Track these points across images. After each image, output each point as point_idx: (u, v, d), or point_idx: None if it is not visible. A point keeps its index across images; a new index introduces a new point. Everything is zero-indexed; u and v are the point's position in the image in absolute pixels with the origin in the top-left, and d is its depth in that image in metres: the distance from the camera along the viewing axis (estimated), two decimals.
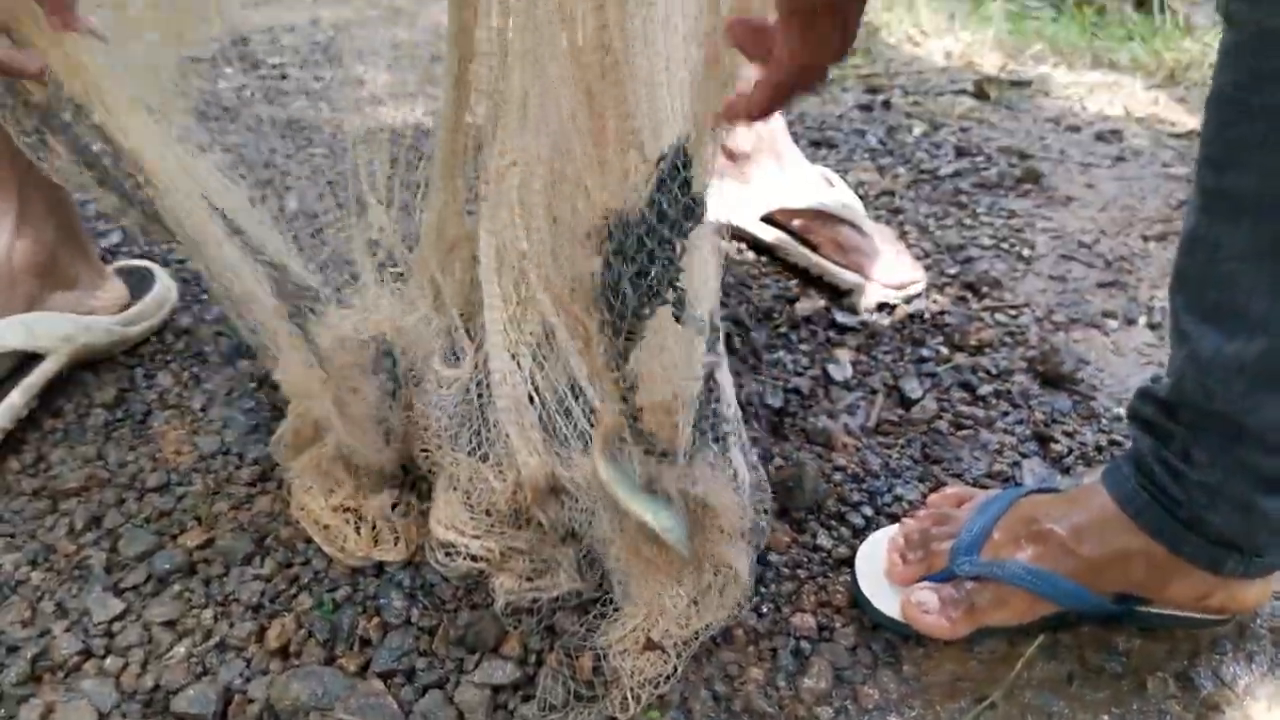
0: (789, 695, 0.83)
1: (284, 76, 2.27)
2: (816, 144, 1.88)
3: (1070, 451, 1.08)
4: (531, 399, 0.89)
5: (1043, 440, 1.10)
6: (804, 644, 0.87)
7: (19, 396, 1.06)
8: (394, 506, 0.95)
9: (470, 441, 0.91)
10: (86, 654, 0.87)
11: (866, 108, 2.08)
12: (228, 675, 0.85)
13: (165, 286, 1.23)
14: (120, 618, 0.90)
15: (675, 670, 0.82)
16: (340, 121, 1.96)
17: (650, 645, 0.81)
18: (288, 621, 0.88)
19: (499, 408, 0.87)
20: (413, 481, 0.98)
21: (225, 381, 1.15)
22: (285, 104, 2.10)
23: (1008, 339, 1.26)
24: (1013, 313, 1.32)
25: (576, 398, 0.90)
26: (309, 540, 0.94)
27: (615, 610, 0.85)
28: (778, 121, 1.37)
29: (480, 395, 0.93)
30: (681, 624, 0.82)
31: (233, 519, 0.98)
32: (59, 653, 0.87)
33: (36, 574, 0.94)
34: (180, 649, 0.87)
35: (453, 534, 0.89)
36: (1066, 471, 1.06)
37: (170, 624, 0.89)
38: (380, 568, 0.92)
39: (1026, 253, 1.47)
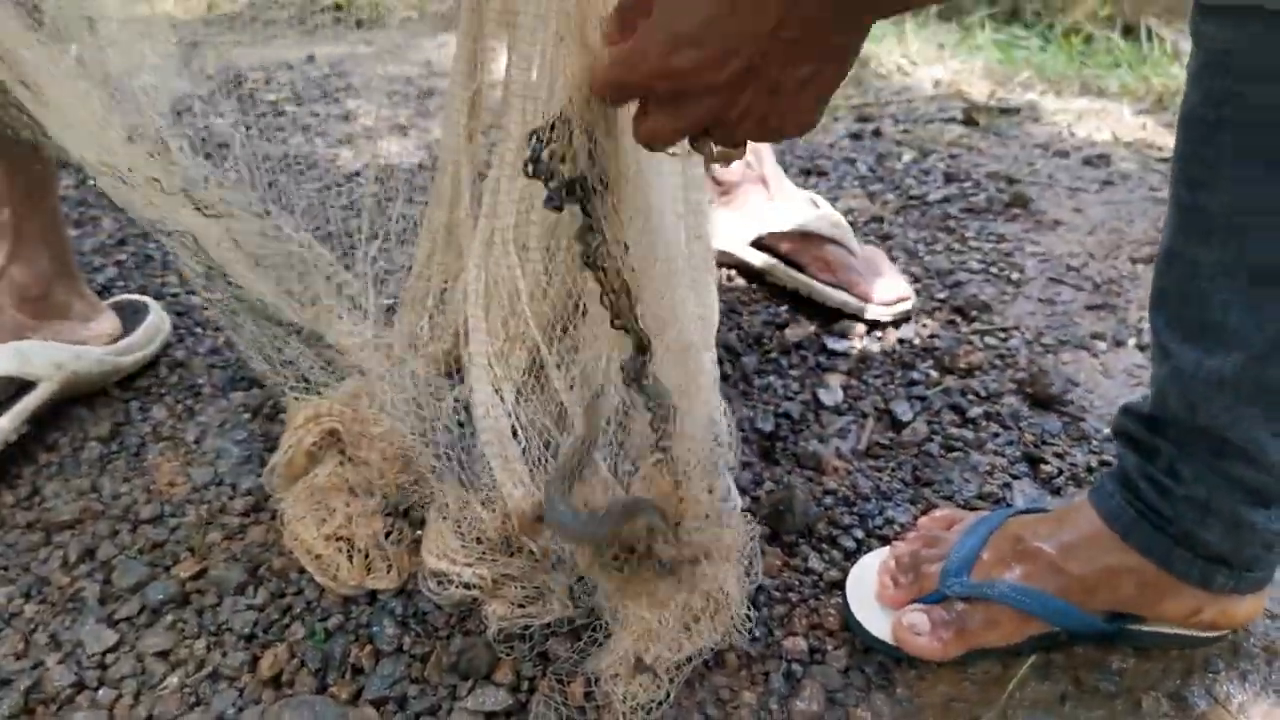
0: (781, 718, 0.83)
1: (280, 113, 2.29)
2: (807, 172, 1.89)
3: (1060, 473, 1.08)
4: (515, 432, 0.89)
5: (1033, 462, 1.10)
6: (796, 667, 0.87)
7: (8, 422, 1.07)
8: (386, 535, 0.95)
9: (458, 471, 0.92)
10: (80, 686, 0.87)
11: (857, 136, 2.10)
12: (220, 705, 0.85)
13: (158, 318, 1.23)
14: (114, 649, 0.90)
15: (668, 695, 0.82)
16: (335, 156, 1.97)
17: (641, 667, 0.81)
18: (280, 651, 0.88)
19: (482, 440, 0.88)
20: (405, 510, 0.98)
21: (219, 413, 1.16)
22: (282, 139, 2.12)
23: (997, 361, 1.27)
24: (1002, 335, 1.33)
25: (562, 432, 0.90)
26: (302, 570, 0.95)
27: (607, 636, 0.85)
28: (765, 150, 1.39)
29: (463, 426, 0.93)
30: (674, 648, 0.82)
31: (226, 549, 0.98)
32: (52, 685, 0.87)
33: (30, 606, 0.94)
34: (173, 679, 0.87)
35: (444, 563, 0.89)
36: (1057, 493, 1.06)
37: (163, 654, 0.89)
38: (373, 596, 0.93)
39: (1015, 276, 1.48)
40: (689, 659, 0.83)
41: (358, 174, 1.82)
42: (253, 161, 1.81)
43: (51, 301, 1.11)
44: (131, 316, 1.21)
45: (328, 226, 1.51)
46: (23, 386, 1.08)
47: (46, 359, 1.09)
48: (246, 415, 1.15)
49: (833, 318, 1.32)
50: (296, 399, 1.00)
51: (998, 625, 0.85)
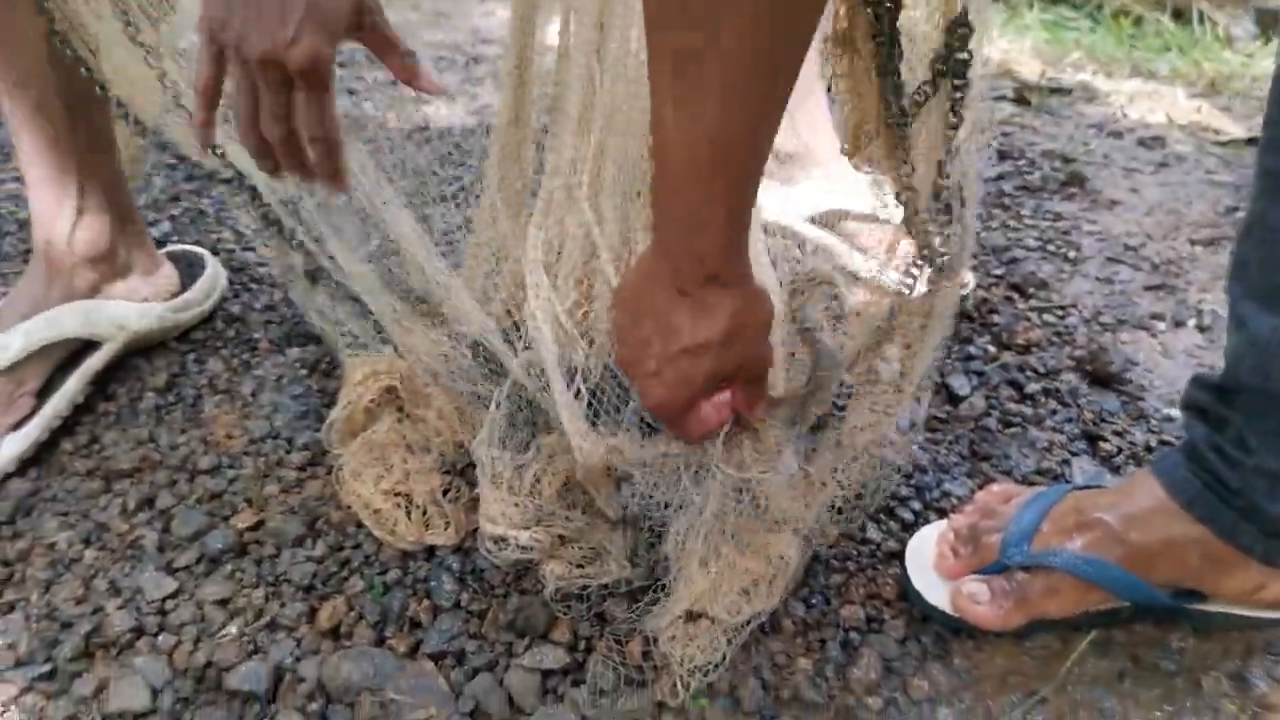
0: (838, 686, 0.83)
1: None
2: None
3: (1120, 451, 1.07)
4: (579, 388, 0.89)
5: (1092, 439, 1.09)
6: (853, 635, 0.87)
7: (75, 383, 1.08)
8: (444, 492, 0.95)
9: (519, 433, 0.92)
10: (139, 631, 0.88)
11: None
12: (279, 654, 0.85)
13: (215, 273, 1.24)
14: (173, 596, 0.91)
15: (724, 658, 0.82)
16: (383, 119, 1.97)
17: (693, 617, 0.81)
18: (338, 603, 0.88)
19: (553, 394, 0.88)
20: (462, 468, 0.98)
21: (275, 368, 1.16)
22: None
23: (1055, 339, 1.26)
24: (1060, 313, 1.31)
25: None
26: (359, 524, 0.95)
27: (665, 597, 0.85)
28: (824, 125, 1.37)
29: (522, 390, 0.93)
30: (731, 611, 0.82)
31: (283, 502, 0.99)
32: (112, 629, 0.87)
33: (90, 552, 0.95)
34: (232, 628, 0.88)
35: (502, 527, 0.89)
36: (1116, 471, 1.05)
37: (222, 603, 0.90)
38: (430, 552, 0.93)
39: (1072, 254, 1.46)
40: (746, 623, 0.83)
41: (409, 136, 1.82)
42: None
43: (116, 257, 1.12)
44: (187, 270, 1.22)
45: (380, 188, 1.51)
46: (87, 345, 1.09)
47: (110, 319, 1.10)
48: (303, 371, 1.15)
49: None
50: (354, 355, 1.00)
51: (1058, 594, 0.84)
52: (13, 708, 0.83)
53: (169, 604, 0.90)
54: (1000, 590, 0.85)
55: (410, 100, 2.11)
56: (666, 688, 0.80)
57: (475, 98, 2.13)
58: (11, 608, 0.91)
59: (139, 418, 1.10)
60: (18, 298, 1.08)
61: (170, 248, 1.27)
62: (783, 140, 1.35)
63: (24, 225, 1.53)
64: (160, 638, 0.87)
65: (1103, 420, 1.12)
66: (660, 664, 0.81)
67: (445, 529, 0.93)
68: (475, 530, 0.95)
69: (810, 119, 1.35)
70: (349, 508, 0.96)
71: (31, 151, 1.03)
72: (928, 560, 0.90)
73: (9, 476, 1.02)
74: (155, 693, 0.83)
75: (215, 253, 1.32)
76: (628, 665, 0.82)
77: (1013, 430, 1.10)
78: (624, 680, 0.81)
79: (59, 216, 1.05)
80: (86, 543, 0.96)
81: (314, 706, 0.81)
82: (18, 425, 1.03)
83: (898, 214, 1.31)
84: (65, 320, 1.06)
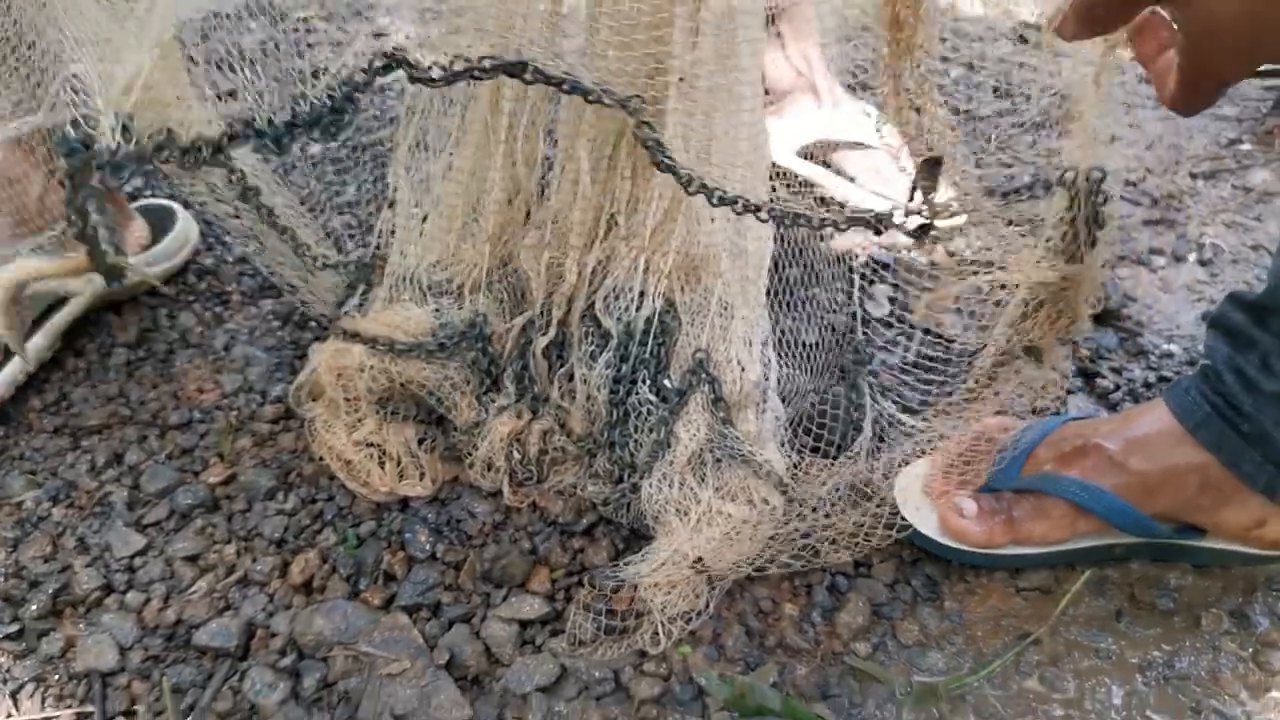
0: (825, 631, 0.80)
1: (310, 30, 2.25)
2: (850, 88, 1.82)
3: (1117, 388, 1.04)
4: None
5: (1088, 376, 1.06)
6: (840, 580, 0.84)
7: (43, 339, 1.05)
8: (420, 441, 0.93)
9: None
10: (108, 589, 0.86)
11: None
12: (250, 610, 0.83)
13: (186, 226, 1.21)
14: (142, 553, 0.88)
15: (707, 605, 0.79)
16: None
17: (674, 564, 0.79)
18: (311, 556, 0.86)
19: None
20: (438, 418, 0.95)
21: (247, 320, 1.13)
22: (311, 56, 2.08)
23: None
24: None
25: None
26: (333, 476, 0.92)
27: (646, 544, 0.83)
28: (816, 58, 1.33)
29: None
30: (714, 558, 0.79)
31: (255, 455, 0.96)
32: (80, 588, 0.85)
33: (58, 510, 0.93)
34: (202, 584, 0.86)
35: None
36: (1113, 408, 1.02)
37: (192, 559, 0.87)
38: (405, 503, 0.90)
39: None
40: (729, 570, 0.81)
41: (387, 88, 1.78)
42: (280, 75, 1.77)
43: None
44: (159, 223, 1.18)
45: (359, 137, 1.48)
46: (56, 301, 1.06)
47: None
48: (276, 323, 1.12)
49: (880, 229, 1.27)
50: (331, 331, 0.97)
51: (1048, 519, 0.82)
52: None
53: (138, 561, 0.88)
54: (989, 508, 0.82)
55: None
56: (647, 636, 0.78)
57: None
58: None
59: (109, 373, 1.07)
60: None
61: (142, 201, 1.24)
62: (776, 74, 1.32)
63: None
64: (129, 595, 0.85)
65: (1100, 357, 1.08)
66: (641, 612, 0.79)
67: (420, 480, 0.91)
68: (452, 480, 0.92)
69: (804, 52, 1.31)
70: (322, 460, 0.93)
71: None
72: (918, 487, 0.87)
73: None
74: (124, 651, 0.81)
75: (187, 206, 1.28)
76: (607, 614, 0.79)
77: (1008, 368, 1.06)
78: (604, 629, 0.78)
79: (30, 178, 1.02)
80: (54, 500, 0.93)
81: (286, 661, 0.79)
82: None
83: (884, 140, 1.28)
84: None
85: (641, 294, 0.91)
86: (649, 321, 0.89)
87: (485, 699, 0.77)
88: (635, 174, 0.95)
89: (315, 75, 0.72)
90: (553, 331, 0.94)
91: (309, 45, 2.11)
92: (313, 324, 1.10)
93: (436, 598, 0.83)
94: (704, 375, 0.84)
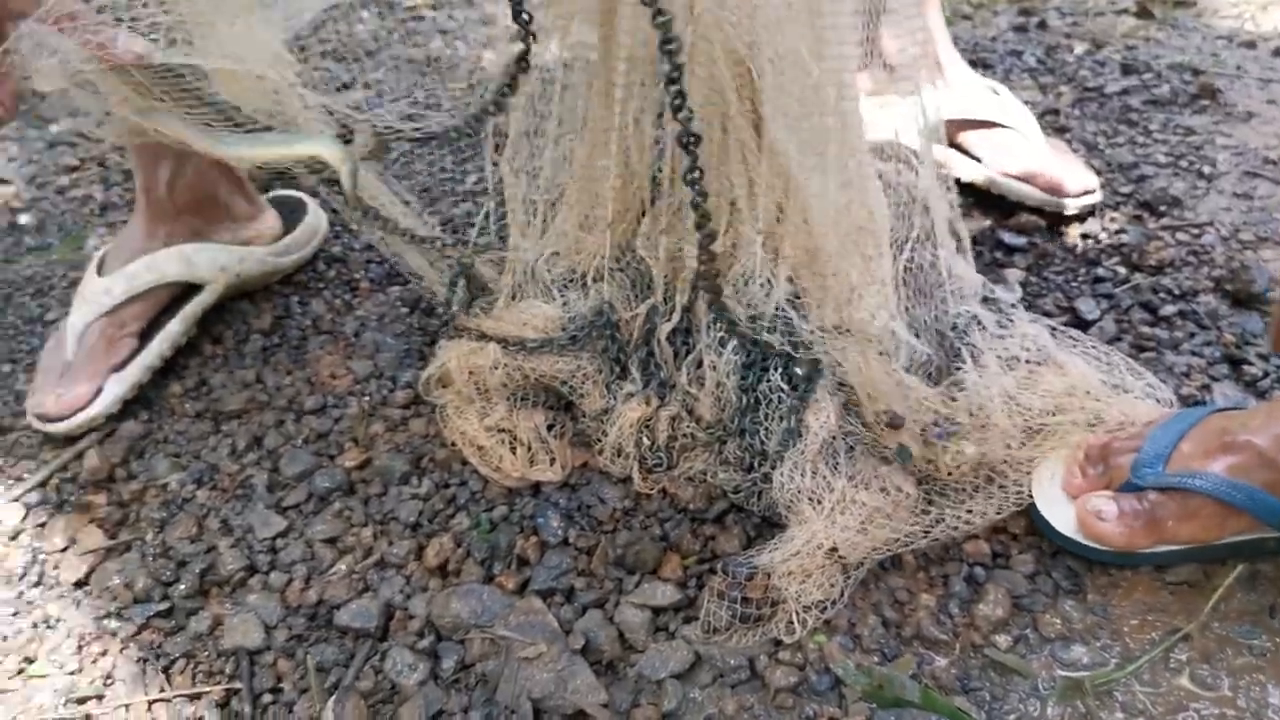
0: (963, 623, 0.79)
1: (419, 18, 2.28)
2: (971, 64, 1.78)
3: (1265, 375, 1.00)
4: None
5: (1234, 363, 1.02)
6: (978, 570, 0.82)
7: (178, 325, 1.08)
8: (549, 428, 0.93)
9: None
10: (251, 569, 0.88)
11: (1021, 29, 1.98)
12: (388, 592, 0.85)
13: (316, 217, 1.23)
14: (283, 535, 0.91)
15: (842, 594, 0.79)
16: (479, 56, 1.95)
17: (808, 553, 0.78)
18: (446, 540, 0.87)
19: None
20: (566, 403, 0.96)
21: (376, 307, 1.15)
22: (422, 44, 2.11)
23: (1191, 258, 1.18)
24: (1195, 231, 1.23)
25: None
26: (464, 462, 0.94)
27: (779, 532, 0.82)
28: (940, 32, 1.30)
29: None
30: (848, 547, 0.78)
31: (389, 440, 0.98)
32: (225, 568, 0.88)
33: (201, 492, 0.96)
34: (341, 565, 0.88)
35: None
36: (1262, 395, 0.98)
37: (331, 541, 0.89)
38: (536, 488, 0.91)
39: (1207, 170, 1.36)
40: (864, 559, 0.80)
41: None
42: (395, 65, 1.80)
43: (218, 202, 1.11)
44: (290, 214, 1.21)
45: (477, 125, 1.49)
46: (190, 289, 1.09)
47: (212, 262, 1.10)
48: (404, 309, 1.14)
49: (1010, 211, 1.24)
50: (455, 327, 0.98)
51: (1195, 519, 0.78)
52: (132, 644, 0.84)
53: (279, 542, 0.90)
54: (1130, 509, 0.79)
55: (503, 40, 2.09)
56: (782, 625, 0.78)
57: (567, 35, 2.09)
58: (128, 547, 0.92)
59: (245, 360, 1.10)
60: (122, 244, 1.08)
61: (273, 193, 1.27)
62: (896, 52, 1.30)
63: (130, 175, 1.55)
64: (272, 576, 0.87)
65: (1246, 343, 1.04)
66: (776, 600, 0.78)
67: (550, 465, 0.91)
68: (581, 466, 0.93)
69: (925, 29, 1.28)
70: (454, 445, 0.95)
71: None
72: (1056, 483, 0.84)
73: (121, 419, 1.03)
74: (268, 629, 0.83)
75: (314, 195, 1.31)
76: (741, 602, 0.79)
77: (1147, 355, 1.03)
78: (738, 617, 0.78)
79: (158, 166, 1.05)
80: (198, 483, 0.96)
81: (424, 643, 0.81)
82: (120, 367, 1.04)
83: (1014, 119, 1.24)
84: (165, 264, 1.06)
85: (770, 279, 0.90)
86: (777, 307, 0.89)
87: (620, 684, 0.77)
88: (745, 159, 0.94)
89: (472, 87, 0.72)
90: (676, 317, 0.94)
91: (417, 34, 2.15)
92: (439, 311, 1.11)
93: (570, 583, 0.83)
94: (830, 360, 0.83)
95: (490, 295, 0.99)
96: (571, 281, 0.98)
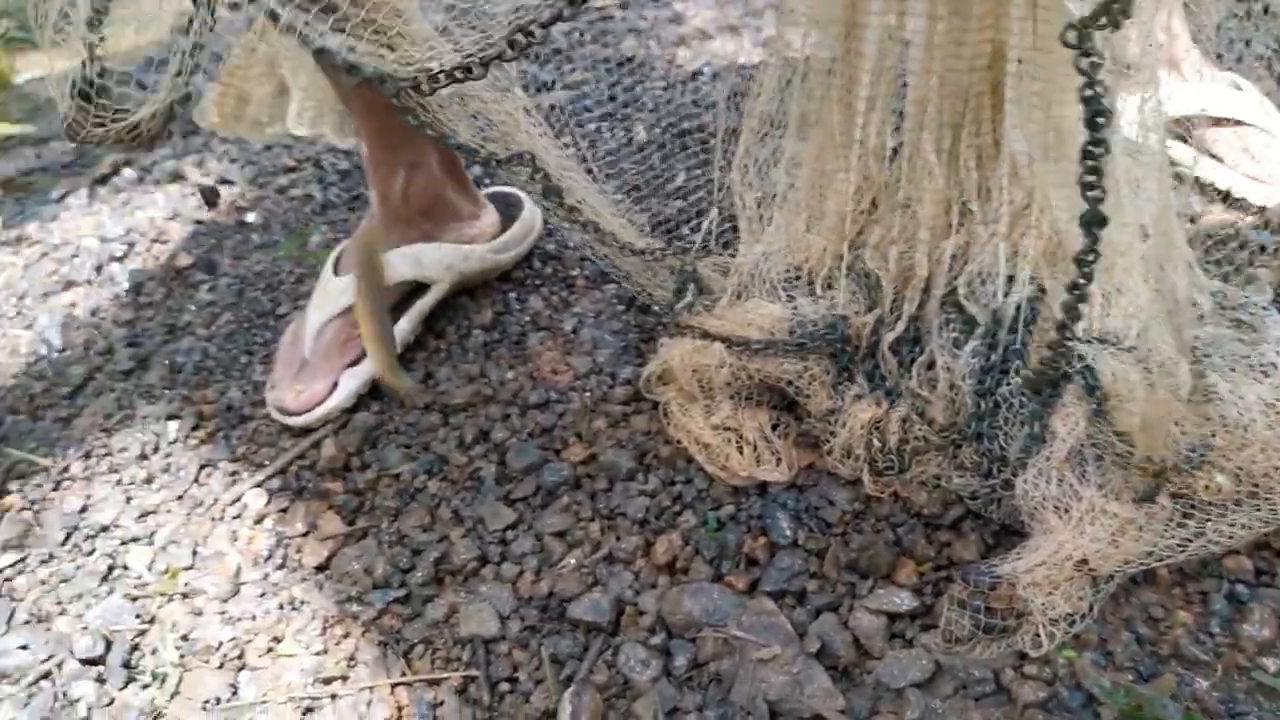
0: (1226, 643, 0.75)
1: (608, 18, 2.30)
2: (1218, 58, 1.69)
3: None
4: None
5: None
6: (1240, 588, 0.78)
7: (406, 323, 1.12)
8: (773, 427, 0.93)
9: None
10: (483, 560, 0.90)
11: (1243, 16, 1.87)
12: (618, 586, 0.85)
13: (532, 214, 1.25)
14: (513, 527, 0.93)
15: (1091, 608, 0.75)
16: (672, 55, 1.95)
17: (1056, 563, 0.75)
18: (674, 538, 0.87)
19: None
20: (789, 403, 0.95)
21: (593, 304, 1.17)
22: (614, 43, 2.13)
23: None
24: None
25: None
26: (689, 459, 0.94)
27: (1020, 541, 0.79)
28: (1180, 26, 1.24)
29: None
30: (1098, 560, 0.75)
31: (611, 436, 0.99)
32: (458, 557, 0.90)
33: (433, 483, 0.98)
34: (571, 559, 0.89)
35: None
36: None
37: (560, 535, 0.91)
38: (763, 488, 0.90)
39: None
40: (1112, 573, 0.76)
41: (698, 73, 1.79)
42: (592, 65, 1.82)
43: (446, 203, 1.15)
44: (506, 210, 1.24)
45: (682, 123, 1.49)
46: (418, 288, 1.13)
47: (439, 262, 1.13)
48: (620, 306, 1.15)
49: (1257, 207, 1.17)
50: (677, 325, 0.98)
51: None
52: (373, 628, 0.87)
53: (509, 534, 0.92)
54: None
55: (695, 38, 2.10)
56: (1028, 637, 0.75)
57: (759, 30, 2.08)
58: (365, 534, 0.95)
59: (468, 354, 1.13)
60: (357, 245, 1.13)
61: (490, 189, 1.30)
62: (1133, 47, 1.23)
63: (345, 175, 1.62)
64: (503, 567, 0.89)
65: None
66: (1021, 612, 0.75)
67: (777, 465, 0.91)
68: (807, 467, 0.92)
69: (1165, 23, 1.22)
70: (678, 443, 0.95)
71: (369, 127, 1.07)
72: None
73: (355, 410, 1.07)
74: (503, 619, 0.85)
75: (527, 191, 1.33)
76: (986, 612, 0.76)
77: None
78: (982, 627, 0.76)
79: (394, 175, 1.09)
80: (429, 473, 0.99)
81: (656, 640, 0.81)
82: (354, 364, 1.08)
83: (1257, 116, 1.17)
84: (399, 265, 1.10)
85: (1009, 279, 0.87)
86: (1018, 308, 0.86)
87: (857, 690, 0.76)
88: (981, 162, 0.92)
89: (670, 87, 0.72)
90: (901, 326, 0.92)
91: (608, 34, 2.17)
92: (655, 309, 1.12)
93: (801, 585, 0.82)
94: (1079, 365, 0.79)
95: (712, 295, 0.99)
96: (796, 280, 0.97)
